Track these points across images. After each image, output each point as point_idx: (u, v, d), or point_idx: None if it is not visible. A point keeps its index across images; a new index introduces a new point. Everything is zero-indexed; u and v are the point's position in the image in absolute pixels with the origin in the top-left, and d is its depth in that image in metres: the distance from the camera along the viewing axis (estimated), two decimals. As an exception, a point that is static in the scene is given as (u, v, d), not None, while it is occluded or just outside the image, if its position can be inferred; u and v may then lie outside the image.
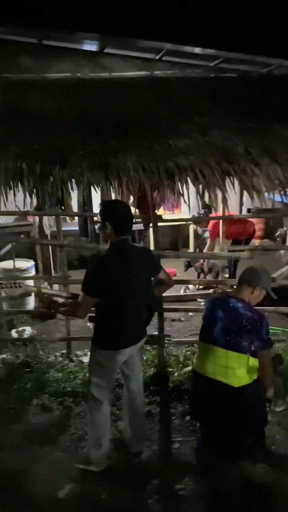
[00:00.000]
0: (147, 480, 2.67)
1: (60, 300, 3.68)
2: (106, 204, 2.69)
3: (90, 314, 2.63)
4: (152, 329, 4.47)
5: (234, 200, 6.13)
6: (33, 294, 5.09)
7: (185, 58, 6.36)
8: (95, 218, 5.75)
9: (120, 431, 3.04)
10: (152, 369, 3.71)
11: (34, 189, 3.57)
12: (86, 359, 4.02)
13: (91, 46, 6.25)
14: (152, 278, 2.75)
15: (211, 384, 2.71)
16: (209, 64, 6.42)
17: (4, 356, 3.93)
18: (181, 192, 3.63)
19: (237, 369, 2.63)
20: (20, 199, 3.72)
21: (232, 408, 2.71)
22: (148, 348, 3.99)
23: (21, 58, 5.95)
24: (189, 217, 6.67)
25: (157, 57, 6.36)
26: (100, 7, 5.44)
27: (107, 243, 2.63)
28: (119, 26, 5.57)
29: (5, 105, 4.18)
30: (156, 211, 4.24)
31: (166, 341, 4.08)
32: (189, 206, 3.77)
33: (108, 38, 5.85)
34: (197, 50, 5.93)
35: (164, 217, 5.42)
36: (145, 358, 3.82)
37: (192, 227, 7.43)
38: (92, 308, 2.60)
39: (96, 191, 3.82)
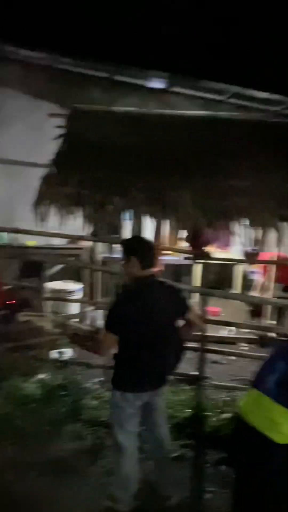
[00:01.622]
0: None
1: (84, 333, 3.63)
2: (131, 239, 2.72)
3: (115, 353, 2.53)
4: (191, 369, 4.40)
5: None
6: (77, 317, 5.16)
7: (250, 101, 6.44)
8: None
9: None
10: (189, 410, 3.59)
11: (93, 216, 3.69)
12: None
13: (158, 84, 6.48)
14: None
15: (253, 434, 2.57)
16: (274, 109, 6.46)
17: (43, 376, 3.95)
18: (236, 233, 3.62)
19: (284, 425, 2.49)
20: (77, 224, 3.83)
21: (271, 465, 2.55)
22: (187, 388, 3.89)
23: (92, 91, 6.25)
24: (238, 257, 6.58)
25: (222, 99, 6.48)
26: (171, 47, 5.65)
27: (130, 280, 2.54)
28: (187, 66, 5.75)
29: (73, 133, 4.37)
30: (207, 247, 4.22)
31: (205, 383, 3.96)
32: (242, 245, 3.74)
33: (176, 77, 6.04)
34: (264, 94, 5.99)
35: (214, 255, 5.37)
36: (183, 398, 3.72)
37: (239, 268, 7.30)
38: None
39: (152, 222, 3.88)
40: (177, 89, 6.49)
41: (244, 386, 3.94)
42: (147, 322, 2.38)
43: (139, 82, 6.43)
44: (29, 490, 2.78)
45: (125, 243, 2.61)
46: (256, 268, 6.02)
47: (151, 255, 2.51)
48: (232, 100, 6.51)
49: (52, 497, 2.73)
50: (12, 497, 2.70)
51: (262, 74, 5.70)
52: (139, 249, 2.50)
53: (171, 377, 2.73)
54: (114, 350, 2.51)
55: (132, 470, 2.61)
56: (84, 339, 2.73)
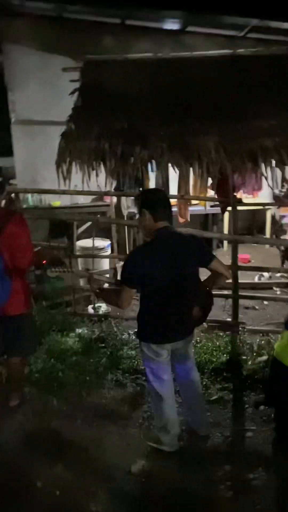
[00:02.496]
0: (218, 465, 2.65)
1: (105, 283, 3.63)
2: (144, 192, 2.69)
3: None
4: (225, 316, 4.44)
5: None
6: (108, 272, 5.23)
7: (271, 34, 6.03)
8: (171, 201, 5.74)
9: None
10: (225, 355, 3.65)
11: (115, 169, 3.63)
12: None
13: (173, 25, 6.13)
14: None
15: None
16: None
17: (80, 330, 4.08)
18: (264, 175, 3.50)
19: None
20: (100, 179, 3.80)
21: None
22: (222, 334, 3.94)
23: (104, 39, 6.00)
24: (267, 201, 6.42)
25: (242, 34, 6.10)
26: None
27: (147, 234, 2.54)
28: (202, 2, 5.40)
29: (88, 85, 4.24)
30: (235, 194, 4.12)
31: (240, 328, 4.00)
32: (272, 189, 3.62)
33: (191, 15, 5.69)
34: (285, 25, 5.60)
35: (243, 201, 5.25)
36: (218, 343, 3.78)
37: (269, 213, 7.15)
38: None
39: (175, 172, 3.80)
40: (192, 28, 6.13)
41: (278, 329, 3.96)
42: (163, 274, 2.37)
43: (152, 24, 6.10)
44: (76, 436, 2.94)
45: (138, 197, 2.59)
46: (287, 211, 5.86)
47: (163, 207, 2.48)
48: (252, 35, 6.11)
49: (99, 443, 2.87)
50: (60, 444, 2.87)
51: (282, 3, 5.32)
52: (150, 202, 2.48)
53: (201, 325, 2.73)
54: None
55: (171, 414, 2.71)
56: (106, 294, 2.77)
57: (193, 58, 4.58)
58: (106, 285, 2.88)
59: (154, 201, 2.48)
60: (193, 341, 2.77)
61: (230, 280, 3.47)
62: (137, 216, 2.53)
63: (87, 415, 3.14)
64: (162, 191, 2.83)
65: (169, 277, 2.38)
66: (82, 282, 5.11)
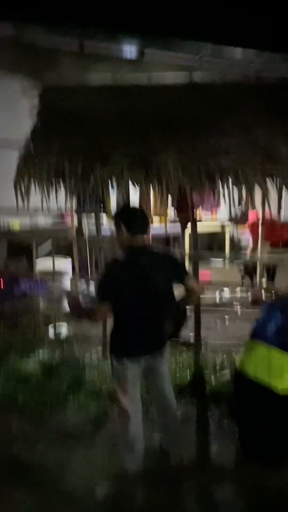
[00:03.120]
0: (184, 482, 2.62)
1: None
2: (120, 207, 2.71)
3: None
4: (187, 332, 4.44)
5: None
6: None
7: (226, 58, 6.31)
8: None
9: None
10: (188, 371, 3.64)
11: (75, 188, 3.62)
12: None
13: (131, 50, 6.30)
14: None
15: (252, 386, 2.63)
16: (251, 64, 6.34)
17: (41, 352, 3.96)
18: (222, 193, 3.58)
19: (285, 373, 2.54)
20: (61, 198, 3.77)
21: (274, 413, 2.61)
22: (184, 350, 3.94)
23: (63, 62, 6.06)
24: (225, 220, 6.58)
25: (198, 58, 6.34)
26: (140, 7, 5.46)
27: (121, 247, 2.53)
28: (159, 26, 5.57)
29: (47, 106, 4.25)
30: (194, 211, 4.19)
31: (202, 344, 4.01)
32: (230, 206, 3.71)
33: (148, 39, 5.87)
34: (239, 50, 5.87)
35: (203, 218, 5.36)
36: (181, 360, 3.77)
37: (228, 230, 7.31)
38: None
39: (135, 189, 3.83)
40: (150, 51, 6.32)
41: (240, 344, 4.00)
42: (137, 288, 2.38)
43: (111, 51, 6.25)
44: (37, 460, 2.82)
45: (115, 212, 2.63)
46: (245, 228, 6.02)
47: (140, 222, 2.50)
48: (208, 58, 6.37)
49: (61, 465, 2.76)
50: (21, 469, 2.74)
51: (236, 29, 5.58)
52: (127, 216, 2.50)
53: (169, 341, 2.72)
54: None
55: (137, 432, 2.63)
56: (81, 309, 2.71)
57: (151, 81, 4.72)
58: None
59: (131, 216, 2.51)
60: (167, 359, 2.74)
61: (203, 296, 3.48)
62: (114, 230, 2.54)
63: (49, 438, 3.02)
64: (139, 208, 2.94)
65: (142, 292, 2.39)
66: (42, 304, 5.00)
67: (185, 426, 3.10)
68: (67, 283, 5.24)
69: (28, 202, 3.66)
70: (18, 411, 3.28)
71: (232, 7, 5.38)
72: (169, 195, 3.73)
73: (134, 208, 2.72)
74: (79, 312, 2.70)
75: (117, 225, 2.49)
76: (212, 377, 3.59)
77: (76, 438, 3.04)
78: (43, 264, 5.22)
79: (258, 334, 2.76)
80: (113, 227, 2.55)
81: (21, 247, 5.73)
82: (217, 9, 5.35)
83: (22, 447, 2.95)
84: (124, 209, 2.70)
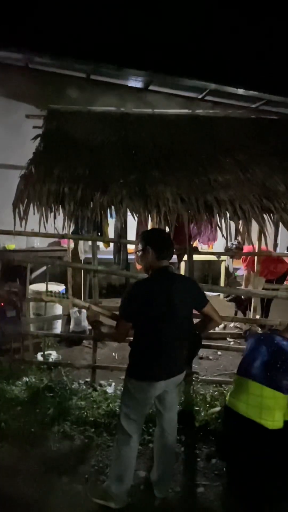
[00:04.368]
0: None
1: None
2: (148, 230, 2.76)
3: (130, 340, 2.56)
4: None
5: (268, 239, 6.06)
6: (60, 318, 5.10)
7: (227, 98, 6.49)
8: (129, 248, 5.77)
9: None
10: (178, 406, 3.56)
11: (74, 213, 3.64)
12: (110, 389, 3.94)
13: (136, 83, 6.47)
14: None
15: (244, 423, 2.58)
16: (251, 105, 6.52)
17: (28, 379, 3.88)
18: (219, 226, 3.61)
19: (273, 410, 2.50)
20: (59, 223, 3.78)
21: (264, 450, 2.55)
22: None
23: (69, 91, 6.21)
24: (221, 252, 6.61)
25: (200, 96, 6.52)
26: (148, 45, 5.66)
27: (147, 271, 2.57)
28: (165, 64, 5.76)
29: (51, 133, 4.33)
30: (191, 243, 4.21)
31: (193, 378, 3.95)
32: (226, 240, 3.73)
33: (154, 75, 6.04)
34: (240, 91, 6.04)
35: (199, 250, 5.37)
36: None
37: (223, 264, 7.36)
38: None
39: (134, 219, 3.85)
40: (155, 87, 6.50)
41: (231, 380, 3.94)
42: (159, 312, 2.39)
43: (116, 81, 6.42)
44: (17, 494, 2.71)
45: (143, 234, 2.64)
46: (240, 262, 6.04)
47: (167, 246, 2.55)
48: (210, 98, 6.55)
49: (41, 500, 2.66)
50: (0, 501, 2.63)
51: (239, 71, 5.78)
52: (155, 240, 2.53)
53: (186, 369, 2.70)
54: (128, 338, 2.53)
55: (130, 461, 2.59)
56: (104, 327, 2.71)
57: (155, 114, 4.83)
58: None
59: (159, 240, 2.54)
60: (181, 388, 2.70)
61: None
62: (139, 252, 2.55)
63: (30, 470, 2.92)
64: (166, 233, 2.94)
65: (164, 316, 2.39)
66: (32, 328, 4.93)
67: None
68: (58, 309, 5.19)
69: (25, 225, 3.67)
70: (0, 437, 3.18)
71: (236, 50, 5.60)
72: (167, 226, 3.76)
73: (163, 233, 2.74)
74: (100, 329, 2.69)
75: (144, 247, 2.51)
76: (202, 413, 3.50)
77: (59, 469, 2.94)
78: (36, 288, 5.18)
79: (245, 371, 2.72)
80: (138, 250, 2.56)
81: (15, 271, 5.70)
82: (222, 50, 5.55)
83: (1, 477, 2.84)
84: (153, 233, 2.73)
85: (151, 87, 6.49)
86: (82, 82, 6.36)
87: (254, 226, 3.84)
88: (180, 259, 4.56)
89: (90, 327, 2.83)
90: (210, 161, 3.99)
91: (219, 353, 5.05)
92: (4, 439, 3.17)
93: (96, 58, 5.61)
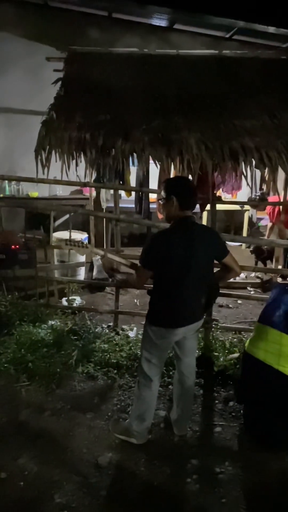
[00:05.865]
0: (186, 459, 2.67)
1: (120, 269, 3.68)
2: (172, 179, 2.72)
3: (149, 288, 2.62)
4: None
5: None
6: (84, 265, 5.20)
7: (256, 37, 6.11)
8: (151, 196, 5.72)
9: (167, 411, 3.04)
10: (197, 351, 3.66)
11: (95, 161, 3.60)
12: (131, 334, 4.06)
13: (160, 21, 6.13)
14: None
15: (262, 369, 2.65)
16: (282, 45, 6.14)
17: (53, 322, 4.03)
18: (244, 174, 3.53)
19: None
20: (81, 171, 3.76)
21: (281, 396, 2.63)
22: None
23: (90, 30, 5.94)
24: (245, 201, 6.50)
25: (228, 36, 6.15)
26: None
27: (169, 220, 2.57)
28: (190, 1, 5.42)
29: (72, 76, 4.19)
30: (215, 192, 4.14)
31: (213, 325, 4.02)
32: (251, 188, 3.66)
33: (179, 13, 5.70)
34: (271, 29, 5.67)
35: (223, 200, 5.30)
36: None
37: (247, 214, 7.25)
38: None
39: (156, 167, 3.79)
40: (179, 26, 6.15)
41: (250, 328, 4.01)
42: (181, 260, 2.41)
43: (139, 19, 6.09)
44: (43, 428, 2.90)
45: (167, 183, 2.60)
46: (265, 212, 5.93)
47: (191, 196, 2.52)
48: (238, 37, 6.17)
49: (66, 434, 2.84)
50: (27, 435, 2.82)
51: (269, 7, 5.38)
52: (180, 189, 2.50)
53: (204, 316, 2.77)
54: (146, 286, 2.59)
55: (151, 403, 2.72)
56: (121, 274, 2.81)
57: (179, 56, 4.59)
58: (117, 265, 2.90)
59: (184, 190, 2.51)
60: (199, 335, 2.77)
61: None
62: (161, 201, 2.54)
63: (56, 407, 3.10)
64: (191, 182, 2.89)
65: (185, 265, 2.42)
66: (57, 274, 5.05)
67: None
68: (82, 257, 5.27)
69: (48, 172, 3.66)
70: (28, 377, 3.36)
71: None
72: (190, 174, 3.69)
73: (187, 182, 2.69)
74: (119, 276, 2.78)
75: (167, 196, 2.49)
76: (221, 358, 3.60)
77: (83, 406, 3.11)
78: (60, 236, 5.25)
79: (266, 319, 2.76)
80: (161, 199, 2.54)
81: (39, 218, 5.76)
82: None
83: (29, 413, 3.03)
84: (177, 182, 2.66)
85: (176, 26, 6.15)
86: (104, 21, 6.08)
87: (281, 175, 3.74)
88: (202, 208, 4.50)
89: (110, 274, 2.88)
90: (236, 105, 3.83)
91: (239, 302, 5.10)
92: (31, 379, 3.35)
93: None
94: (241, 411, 3.05)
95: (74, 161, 3.65)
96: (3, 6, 5.98)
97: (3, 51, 6.16)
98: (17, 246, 4.30)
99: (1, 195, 6.16)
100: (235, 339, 3.92)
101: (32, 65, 5.83)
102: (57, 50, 4.80)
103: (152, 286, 2.59)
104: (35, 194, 6.36)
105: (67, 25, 5.90)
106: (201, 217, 6.58)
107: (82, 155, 3.65)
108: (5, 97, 6.28)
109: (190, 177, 3.74)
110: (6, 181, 6.14)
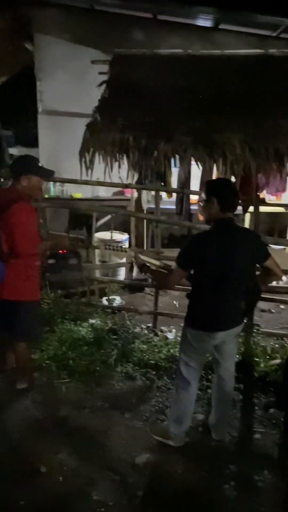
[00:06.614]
0: (224, 464, 2.63)
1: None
2: (213, 180, 2.69)
3: (188, 292, 2.61)
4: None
5: None
6: (124, 266, 5.24)
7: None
8: (192, 198, 5.68)
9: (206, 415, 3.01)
10: (238, 356, 3.60)
11: (138, 162, 3.62)
12: (170, 335, 4.06)
13: (205, 22, 6.07)
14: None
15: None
16: None
17: (94, 321, 4.09)
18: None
19: None
20: (123, 172, 3.80)
21: None
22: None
23: (135, 33, 5.98)
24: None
25: (275, 34, 6.01)
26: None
27: (209, 222, 2.54)
28: (236, 0, 5.34)
29: (116, 78, 4.24)
30: (258, 193, 4.06)
31: (254, 330, 3.95)
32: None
33: (224, 13, 5.63)
34: None
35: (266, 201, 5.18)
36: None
37: (291, 216, 7.06)
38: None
39: (198, 168, 3.76)
40: (225, 26, 6.07)
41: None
42: (221, 263, 2.38)
43: (184, 20, 6.06)
44: (82, 425, 2.94)
45: (208, 184, 2.60)
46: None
47: (232, 198, 2.50)
48: (285, 35, 6.01)
49: (105, 433, 2.87)
50: (66, 431, 2.88)
51: None
52: (221, 191, 2.48)
53: (244, 320, 2.73)
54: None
55: (189, 405, 2.71)
56: (153, 271, 2.81)
57: (223, 56, 4.54)
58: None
59: (225, 191, 2.49)
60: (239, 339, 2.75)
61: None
62: (203, 203, 2.52)
63: (95, 405, 3.14)
64: (232, 183, 2.87)
65: (225, 267, 2.39)
66: (98, 274, 5.13)
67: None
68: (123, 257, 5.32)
69: (91, 174, 3.73)
70: (68, 374, 3.42)
71: None
72: (233, 176, 3.64)
73: (228, 183, 2.66)
74: (152, 273, 2.81)
75: (208, 197, 2.47)
76: (262, 364, 3.52)
77: (122, 406, 3.14)
78: (101, 236, 5.32)
79: None
80: (202, 200, 2.52)
81: (82, 218, 5.87)
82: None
83: (69, 409, 3.08)
84: (219, 184, 2.66)
85: (221, 26, 6.07)
86: (149, 23, 6.08)
87: None
88: (245, 210, 4.43)
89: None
90: (282, 105, 3.74)
91: (281, 306, 4.97)
92: (72, 376, 3.41)
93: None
94: (282, 419, 2.97)
95: (116, 162, 3.70)
96: (50, 11, 6.14)
97: (50, 55, 6.32)
98: (65, 251, 4.39)
99: (46, 196, 6.31)
100: (276, 345, 3.83)
101: (78, 68, 5.94)
102: (102, 53, 4.88)
103: (190, 288, 2.58)
104: (78, 195, 6.47)
105: (112, 28, 5.95)
106: (243, 219, 6.47)
107: (124, 157, 3.69)
108: (51, 100, 6.44)
109: (233, 178, 3.70)
110: (51, 182, 6.27)
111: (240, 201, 4.24)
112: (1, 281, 2.86)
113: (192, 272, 2.50)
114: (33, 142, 7.20)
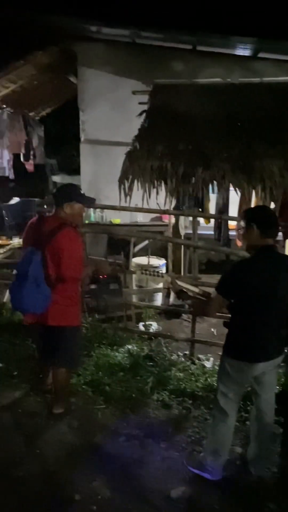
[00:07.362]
0: (262, 501, 2.51)
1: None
2: (253, 207, 2.67)
3: (225, 320, 2.57)
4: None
5: None
6: (161, 291, 5.23)
7: None
8: (230, 224, 5.65)
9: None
10: (278, 387, 3.48)
11: (176, 189, 3.67)
12: (208, 364, 3.98)
13: (244, 51, 6.17)
14: None
15: None
16: None
17: (130, 347, 4.08)
18: None
19: None
20: (161, 198, 3.85)
21: None
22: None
23: (174, 64, 6.15)
24: None
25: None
26: (256, 10, 5.35)
27: (249, 249, 2.51)
28: (275, 29, 5.40)
29: (156, 108, 4.35)
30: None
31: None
32: None
33: (263, 42, 5.70)
34: None
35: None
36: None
37: None
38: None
39: (237, 194, 3.76)
40: (264, 54, 6.13)
41: None
42: (264, 292, 2.34)
43: (223, 50, 6.18)
44: (118, 453, 2.90)
45: (248, 211, 2.59)
46: None
47: (272, 224, 2.47)
48: None
49: (140, 462, 2.82)
50: (101, 458, 2.85)
51: None
52: (261, 217, 2.47)
53: (285, 350, 2.65)
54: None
55: (227, 438, 2.63)
56: (189, 297, 2.79)
57: (262, 83, 4.58)
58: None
59: (265, 217, 2.48)
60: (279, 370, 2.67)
61: None
62: (242, 230, 2.51)
63: (131, 433, 3.10)
64: (272, 209, 2.86)
65: (266, 296, 2.36)
66: (135, 299, 5.14)
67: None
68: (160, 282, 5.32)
69: (130, 200, 3.80)
70: (105, 400, 3.41)
71: None
72: (272, 202, 3.61)
73: (269, 210, 2.63)
74: (191, 300, 2.78)
75: (248, 224, 2.45)
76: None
77: (157, 435, 3.08)
78: (139, 261, 5.36)
79: None
80: (242, 227, 2.50)
81: (120, 244, 5.95)
82: None
83: (105, 437, 3.06)
84: (258, 210, 2.65)
85: (260, 55, 6.14)
86: (188, 54, 6.26)
87: None
88: (286, 236, 4.35)
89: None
90: None
91: None
92: (108, 401, 3.39)
93: (201, 27, 5.47)
94: None
95: (154, 189, 3.76)
96: (93, 46, 6.45)
97: (92, 86, 6.61)
98: (106, 276, 4.45)
99: (87, 222, 6.46)
100: None
101: (119, 99, 6.17)
102: (142, 83, 5.03)
103: (228, 316, 2.54)
104: (117, 220, 6.59)
105: (153, 60, 6.16)
106: (284, 246, 6.35)
107: (162, 184, 3.75)
108: (93, 130, 6.69)
109: (272, 204, 3.67)
110: (92, 209, 6.43)
111: (280, 227, 4.21)
112: (47, 306, 2.91)
113: (232, 300, 2.47)
114: (76, 170, 7.46)
